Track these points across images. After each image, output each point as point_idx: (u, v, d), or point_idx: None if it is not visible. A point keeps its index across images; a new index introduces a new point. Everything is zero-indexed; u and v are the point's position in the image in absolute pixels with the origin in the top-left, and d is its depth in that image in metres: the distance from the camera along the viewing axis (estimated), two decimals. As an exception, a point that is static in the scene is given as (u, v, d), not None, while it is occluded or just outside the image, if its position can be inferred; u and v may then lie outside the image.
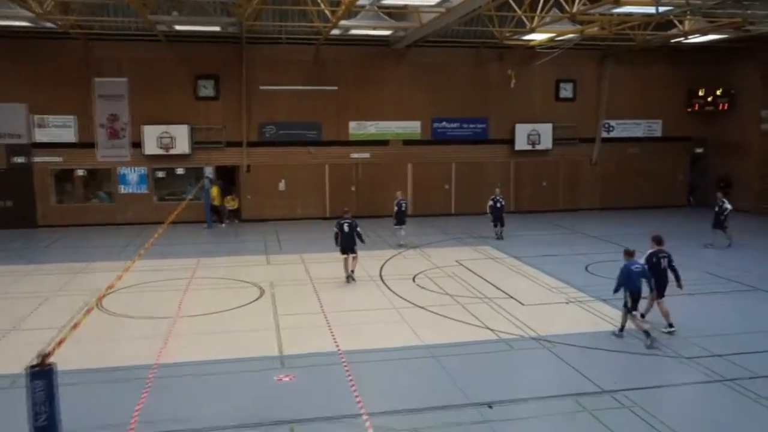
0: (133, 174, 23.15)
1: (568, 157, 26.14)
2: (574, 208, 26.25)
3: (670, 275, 10.79)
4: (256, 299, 12.83)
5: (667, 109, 26.69)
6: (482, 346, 9.98)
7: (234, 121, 23.33)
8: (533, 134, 25.38)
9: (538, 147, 25.43)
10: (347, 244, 14.35)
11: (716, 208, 17.71)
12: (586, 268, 15.35)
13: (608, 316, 11.42)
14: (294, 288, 13.73)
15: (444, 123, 24.91)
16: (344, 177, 24.38)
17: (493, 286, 13.71)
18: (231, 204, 23.98)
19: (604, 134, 26.34)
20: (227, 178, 24.80)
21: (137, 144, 22.78)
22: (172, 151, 22.72)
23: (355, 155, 24.39)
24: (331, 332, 10.65)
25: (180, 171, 23.34)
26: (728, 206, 17.50)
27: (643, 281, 10.31)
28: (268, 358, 9.49)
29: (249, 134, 23.52)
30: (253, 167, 23.85)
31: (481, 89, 24.95)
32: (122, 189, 23.12)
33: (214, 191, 22.89)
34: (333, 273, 15.02)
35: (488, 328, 10.83)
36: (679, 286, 10.76)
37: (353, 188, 24.40)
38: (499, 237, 18.86)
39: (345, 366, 9.14)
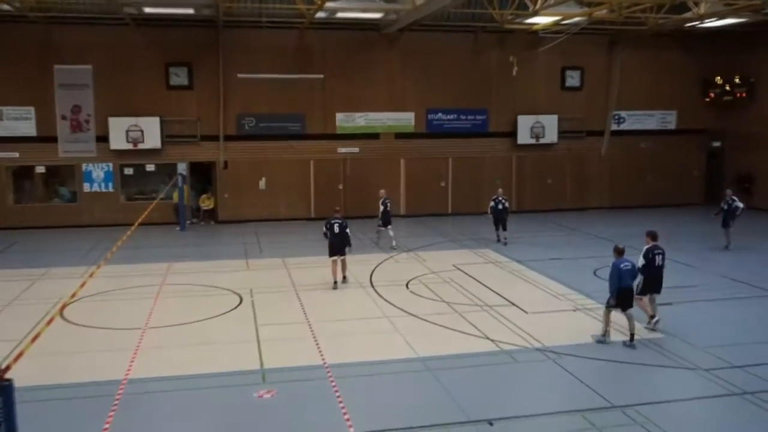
0: (98, 171, 23.03)
1: (574, 152, 26.26)
2: (582, 206, 26.38)
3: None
4: (235, 308, 12.80)
5: (681, 99, 26.88)
6: (482, 358, 10.01)
7: (209, 113, 23.24)
8: (537, 126, 25.47)
9: (542, 140, 25.52)
10: (337, 246, 14.55)
11: (724, 206, 17.73)
12: (595, 273, 15.41)
13: (619, 324, 11.45)
14: (276, 295, 13.71)
15: (440, 114, 24.95)
16: (331, 173, 24.36)
17: (494, 292, 13.75)
18: (206, 203, 23.91)
19: (614, 127, 26.49)
20: (202, 175, 24.71)
21: (103, 138, 22.64)
22: (141, 146, 22.62)
23: (342, 150, 24.38)
24: (317, 344, 10.59)
25: (150, 168, 23.24)
26: (740, 204, 17.56)
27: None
28: (248, 373, 9.47)
29: (226, 127, 23.44)
30: (231, 163, 23.77)
31: (480, 78, 25.01)
32: (87, 187, 22.99)
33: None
34: (319, 279, 15.00)
35: (489, 339, 10.85)
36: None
37: (341, 186, 24.38)
38: (503, 242, 18.83)
39: (332, 381, 9.13)
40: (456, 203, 25.48)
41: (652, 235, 11.39)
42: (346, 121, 24.37)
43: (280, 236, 21.17)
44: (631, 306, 10.71)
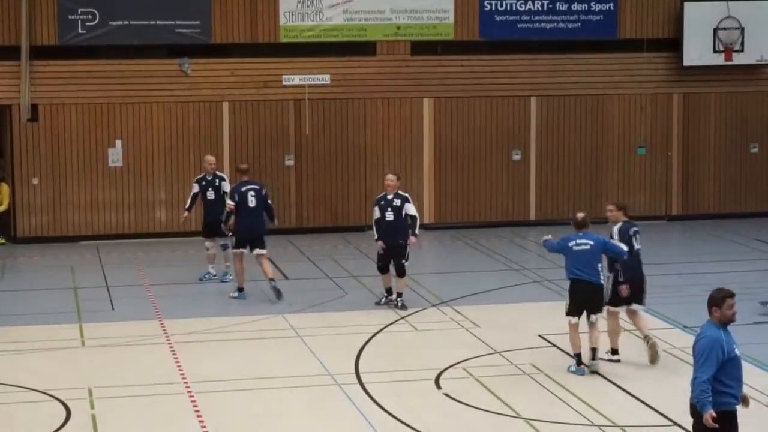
0: None
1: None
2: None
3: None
4: (54, 432, 12.78)
5: None
6: None
7: (-2, 0, 23.44)
8: (728, 27, 25.56)
9: (738, 58, 25.70)
10: (251, 230, 17.02)
11: None
12: None
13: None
14: (145, 403, 13.66)
15: (510, 2, 25.18)
16: (269, 133, 24.47)
17: (632, 396, 13.75)
18: None
19: None
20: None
21: None
22: None
23: (293, 80, 24.49)
24: None
25: None
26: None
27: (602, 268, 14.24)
28: None
29: (35, 32, 23.50)
30: (47, 110, 23.76)
31: None
32: None
33: None
34: (243, 367, 14.96)
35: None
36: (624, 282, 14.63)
37: (290, 160, 24.47)
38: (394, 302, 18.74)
39: None
40: (546, 199, 25.49)
41: (623, 207, 15.12)
42: (302, 16, 24.42)
43: (156, 272, 21.19)
44: (596, 309, 14.28)
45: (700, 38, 25.39)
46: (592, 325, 14.26)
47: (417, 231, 17.89)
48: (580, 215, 14.60)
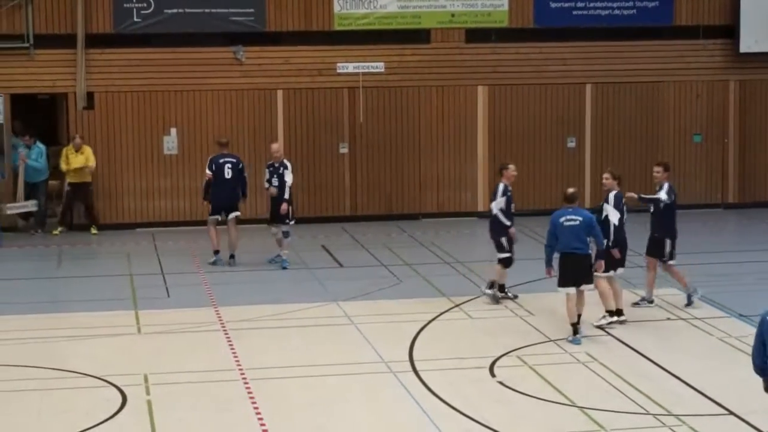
0: None
1: None
2: None
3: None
4: (110, 418, 12.84)
5: None
6: None
7: (55, -9, 23.51)
8: (785, 14, 25.27)
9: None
10: (227, 199, 18.85)
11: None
12: None
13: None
14: (202, 390, 13.71)
15: (565, -10, 25.06)
16: (324, 121, 24.47)
17: (688, 385, 13.64)
18: (75, 161, 23.47)
19: None
20: (36, 121, 24.74)
21: None
22: None
23: (347, 68, 24.51)
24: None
25: None
26: (663, 196, 17.38)
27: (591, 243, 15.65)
28: None
29: (91, 20, 23.61)
30: (102, 98, 23.89)
31: None
32: None
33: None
34: (301, 354, 15.06)
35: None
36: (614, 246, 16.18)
37: (344, 148, 24.51)
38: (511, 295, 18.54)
39: None
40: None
41: (618, 177, 16.60)
42: (356, 3, 24.39)
43: (208, 257, 21.21)
44: (586, 280, 15.47)
45: (756, 25, 25.14)
46: (580, 294, 15.48)
47: None
48: (570, 190, 15.87)
